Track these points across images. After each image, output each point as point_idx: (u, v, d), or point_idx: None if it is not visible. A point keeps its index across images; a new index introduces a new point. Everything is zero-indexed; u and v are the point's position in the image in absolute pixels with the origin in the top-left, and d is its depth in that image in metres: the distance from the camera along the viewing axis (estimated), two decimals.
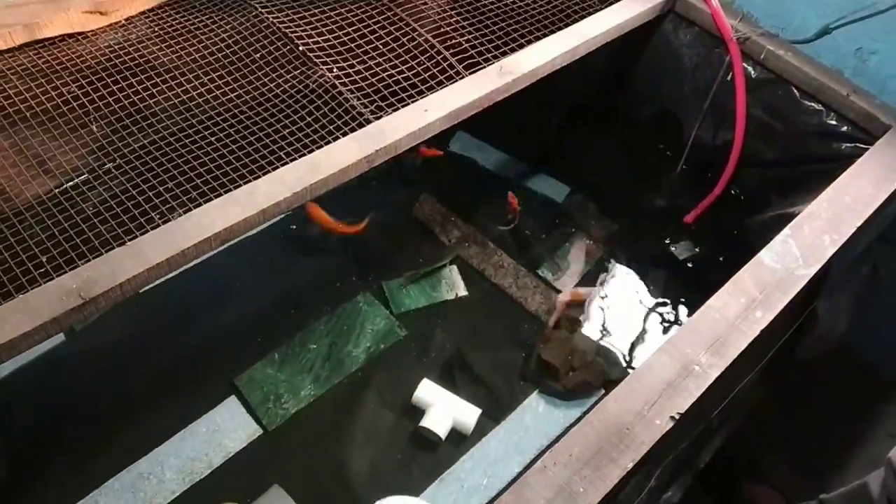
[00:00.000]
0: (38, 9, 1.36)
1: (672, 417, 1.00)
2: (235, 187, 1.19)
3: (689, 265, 1.88)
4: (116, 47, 1.42)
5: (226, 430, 1.52)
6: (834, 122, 1.62)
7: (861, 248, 1.49)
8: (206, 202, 1.16)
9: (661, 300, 1.83)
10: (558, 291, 1.83)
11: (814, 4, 1.61)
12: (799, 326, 1.47)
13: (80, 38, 1.41)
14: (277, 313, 1.72)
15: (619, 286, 1.85)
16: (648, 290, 1.84)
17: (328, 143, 1.29)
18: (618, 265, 1.90)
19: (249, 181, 1.22)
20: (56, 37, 1.39)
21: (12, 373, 1.53)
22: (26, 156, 1.23)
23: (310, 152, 1.27)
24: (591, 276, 1.87)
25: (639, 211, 2.02)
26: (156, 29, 1.47)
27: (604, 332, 1.75)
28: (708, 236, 1.90)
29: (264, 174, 1.22)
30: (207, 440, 1.50)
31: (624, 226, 1.98)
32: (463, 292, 1.82)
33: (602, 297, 1.82)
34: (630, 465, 0.95)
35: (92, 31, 1.43)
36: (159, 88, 1.37)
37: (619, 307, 1.81)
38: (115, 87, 1.35)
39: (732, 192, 1.88)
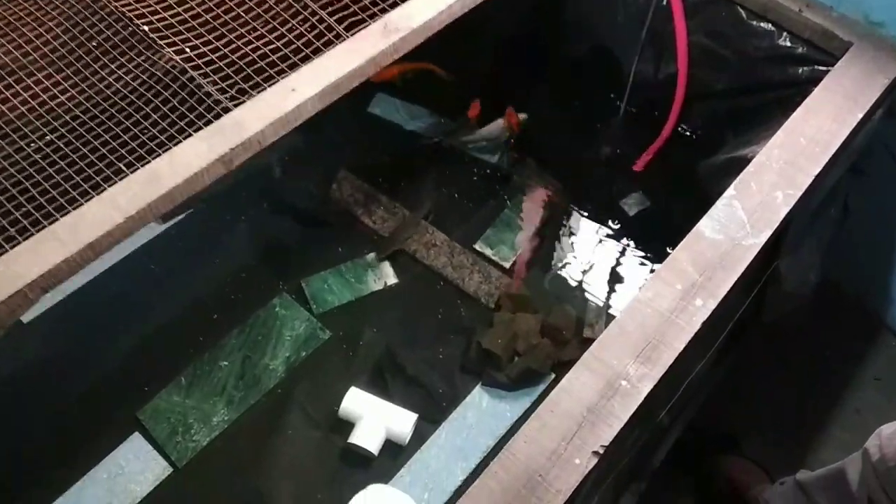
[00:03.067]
0: None
1: (595, 452, 0.82)
2: (54, 221, 0.98)
3: (642, 220, 1.68)
4: None
5: (130, 472, 1.35)
6: (788, 44, 1.39)
7: (826, 190, 1.29)
8: (16, 245, 0.95)
9: (614, 264, 1.64)
10: (498, 266, 1.63)
11: None
12: (760, 290, 1.28)
13: None
14: (181, 330, 1.53)
15: (566, 255, 1.66)
16: (598, 257, 1.65)
17: (171, 147, 1.07)
18: (564, 228, 1.70)
19: (76, 208, 1.00)
20: None
21: None
22: None
23: (149, 161, 1.05)
24: (536, 245, 1.67)
25: (584, 163, 1.80)
26: None
27: (552, 308, 1.56)
28: (659, 185, 1.69)
29: (91, 198, 1.01)
30: (110, 487, 1.34)
31: (568, 183, 1.76)
32: (392, 280, 1.62)
33: (548, 271, 1.63)
34: None
35: None
36: None
37: (567, 280, 1.62)
38: None
39: (682, 131, 1.66)
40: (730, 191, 1.07)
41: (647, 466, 1.16)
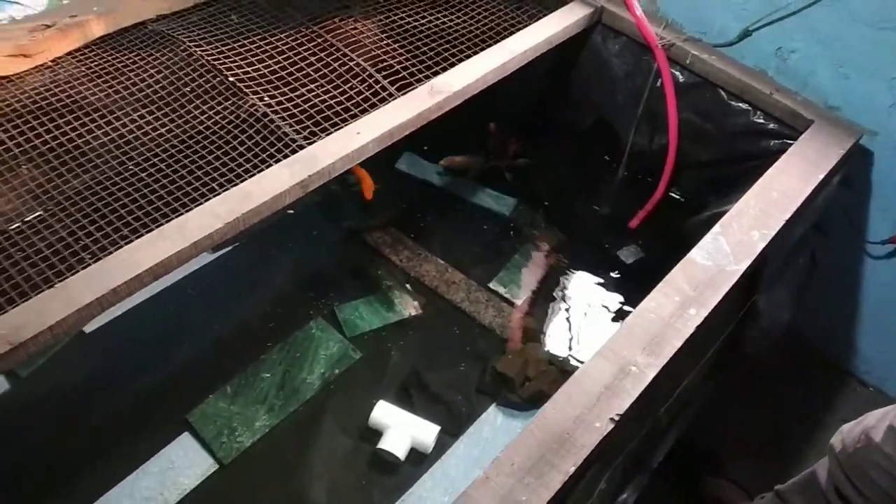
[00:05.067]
0: None
1: (612, 419, 1.02)
2: (168, 222, 1.19)
3: (637, 269, 1.91)
4: (43, 89, 1.41)
5: (180, 467, 1.50)
6: (761, 121, 1.67)
7: (795, 239, 1.53)
8: (137, 239, 1.16)
9: (610, 304, 1.86)
10: (510, 303, 1.84)
11: (731, 9, 1.67)
12: (741, 321, 1.50)
13: (4, 82, 1.40)
14: (229, 344, 1.71)
15: (571, 294, 1.87)
16: (598, 297, 1.87)
17: (260, 171, 1.29)
18: (568, 273, 1.92)
19: (182, 214, 1.21)
20: None
21: None
22: None
23: (242, 181, 1.27)
24: (542, 287, 1.89)
25: (585, 219, 2.05)
26: (83, 69, 1.47)
27: (558, 341, 1.76)
28: (652, 239, 1.93)
29: (196, 206, 1.22)
30: (161, 479, 1.48)
31: (571, 234, 2.00)
32: (416, 311, 1.82)
33: (554, 307, 1.84)
34: (572, 470, 0.96)
35: (17, 74, 1.42)
36: (89, 128, 1.36)
37: (572, 315, 1.83)
38: (42, 130, 1.34)
39: (673, 194, 1.92)
40: (716, 228, 1.31)
41: (648, 462, 1.34)
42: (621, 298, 1.87)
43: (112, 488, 1.45)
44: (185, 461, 1.51)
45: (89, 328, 1.65)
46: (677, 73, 1.74)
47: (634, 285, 1.89)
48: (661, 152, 1.85)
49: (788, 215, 1.35)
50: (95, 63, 1.49)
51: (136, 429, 1.54)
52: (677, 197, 1.94)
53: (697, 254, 1.26)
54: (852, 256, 1.84)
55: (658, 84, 1.77)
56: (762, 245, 1.29)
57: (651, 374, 1.07)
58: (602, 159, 2.03)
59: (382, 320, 1.79)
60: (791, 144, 1.56)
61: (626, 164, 1.97)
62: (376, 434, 1.57)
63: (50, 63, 1.46)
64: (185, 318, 1.74)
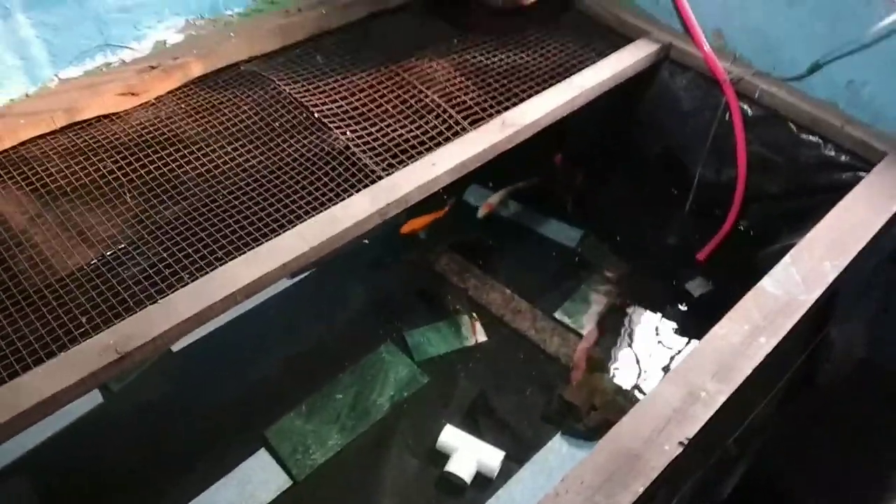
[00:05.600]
0: (77, 95, 1.50)
1: (681, 443, 1.03)
2: (259, 245, 1.28)
3: (705, 301, 1.91)
4: (147, 124, 1.54)
5: (257, 481, 1.57)
6: (832, 153, 1.66)
7: (869, 271, 1.51)
8: (231, 260, 1.25)
9: (678, 337, 1.86)
10: (576, 333, 1.86)
11: (802, 41, 1.68)
12: (814, 352, 1.48)
13: (114, 117, 1.54)
14: (304, 366, 1.79)
15: (637, 325, 1.88)
16: (666, 328, 1.87)
17: (343, 199, 1.38)
18: (634, 305, 1.93)
19: (271, 239, 1.30)
20: (93, 118, 1.52)
21: (52, 436, 1.61)
22: (68, 228, 1.34)
23: (326, 209, 1.36)
24: (608, 317, 1.91)
25: (651, 250, 2.06)
26: (183, 106, 1.60)
27: (625, 371, 1.77)
28: (721, 272, 1.93)
29: (285, 231, 1.31)
30: (240, 492, 1.55)
31: (638, 266, 2.02)
32: (483, 338, 1.86)
33: (621, 338, 1.85)
34: (641, 490, 0.98)
35: (125, 110, 1.56)
36: (187, 160, 1.48)
37: (639, 346, 1.84)
38: (146, 161, 1.46)
39: (741, 227, 1.91)
40: (787, 258, 1.32)
41: (717, 493, 1.33)
42: (689, 330, 1.86)
43: (192, 500, 1.53)
44: (261, 476, 1.58)
45: (176, 347, 1.76)
46: (745, 107, 1.76)
47: (703, 317, 1.87)
48: (729, 185, 1.85)
49: (861, 246, 1.34)
50: (193, 101, 1.62)
51: (216, 443, 1.63)
52: (746, 230, 1.93)
53: (768, 282, 1.27)
54: None
55: (727, 118, 1.79)
56: (834, 275, 1.28)
57: (720, 400, 1.09)
58: (670, 192, 2.05)
59: (449, 346, 1.84)
60: (864, 177, 1.55)
61: (694, 197, 1.98)
62: (443, 457, 1.60)
63: (154, 101, 1.60)
64: (264, 339, 1.84)
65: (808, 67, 1.70)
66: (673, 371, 1.13)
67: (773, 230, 1.84)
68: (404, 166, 1.48)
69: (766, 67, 1.76)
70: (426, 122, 1.60)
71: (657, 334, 1.86)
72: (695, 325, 1.87)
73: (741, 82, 1.74)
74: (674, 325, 1.88)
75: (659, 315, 1.91)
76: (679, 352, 1.82)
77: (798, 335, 1.24)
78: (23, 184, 1.40)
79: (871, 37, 1.57)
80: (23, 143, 1.46)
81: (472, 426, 1.67)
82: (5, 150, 1.43)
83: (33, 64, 1.48)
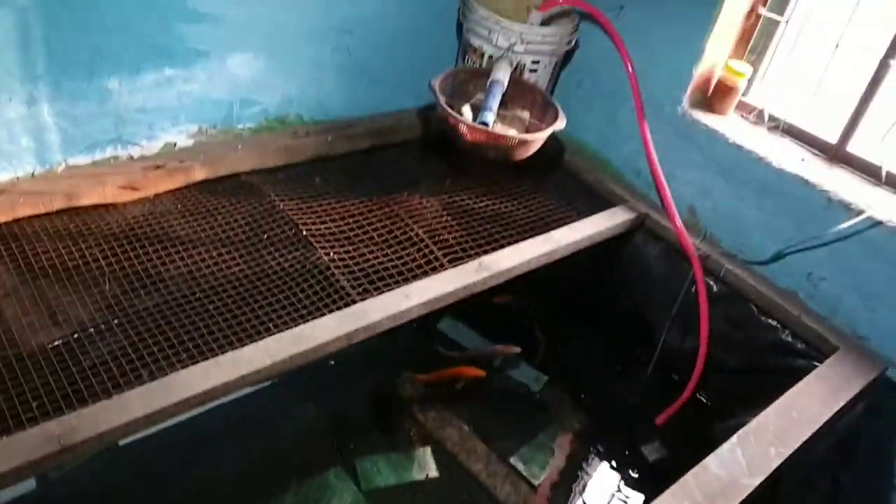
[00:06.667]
0: (80, 181, 1.57)
1: None
2: (223, 354, 1.30)
3: (659, 466, 1.91)
4: (141, 218, 1.61)
5: None
6: (789, 339, 1.74)
7: (816, 462, 1.54)
8: (193, 364, 1.27)
9: (629, 500, 1.84)
10: (528, 483, 1.85)
11: (767, 231, 1.80)
12: None
13: (111, 208, 1.60)
14: (248, 480, 1.75)
15: (591, 485, 1.87)
16: (619, 490, 1.86)
17: (314, 318, 1.41)
18: (591, 461, 1.93)
19: (237, 348, 1.33)
20: (90, 205, 1.58)
21: None
22: (40, 307, 1.36)
23: (297, 325, 1.39)
24: (564, 470, 1.90)
25: (612, 407, 2.08)
26: (178, 206, 1.67)
27: None
28: (677, 439, 1.95)
29: (252, 342, 1.34)
30: None
31: (598, 420, 2.03)
32: (434, 474, 1.84)
33: (574, 496, 1.84)
34: None
35: (123, 202, 1.62)
36: (171, 258, 1.53)
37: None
38: (132, 253, 1.51)
39: (700, 397, 1.95)
40: (733, 439, 1.35)
41: None
42: (641, 497, 1.85)
43: None
44: None
45: (123, 441, 1.72)
46: (711, 283, 1.85)
47: (655, 483, 1.88)
48: (691, 353, 1.91)
49: (807, 436, 1.38)
50: (190, 202, 1.69)
51: None
52: (704, 400, 1.97)
53: (713, 462, 1.30)
54: (878, 490, 1.80)
55: (693, 290, 1.87)
56: (778, 462, 1.31)
57: None
58: (634, 352, 2.10)
59: (399, 478, 1.81)
60: (816, 367, 1.61)
61: (656, 360, 2.04)
62: None
63: (152, 198, 1.67)
64: (211, 444, 1.80)
65: (772, 255, 1.81)
66: None
67: (729, 404, 1.88)
68: (379, 293, 1.53)
69: (733, 249, 1.87)
70: (407, 254, 1.67)
71: (610, 495, 1.85)
72: (647, 490, 1.87)
73: (709, 259, 1.84)
74: (627, 488, 1.87)
75: (614, 474, 1.90)
76: None
77: None
78: (7, 258, 1.43)
79: (830, 237, 1.68)
80: (17, 220, 1.51)
81: None
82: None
83: (45, 147, 1.56)
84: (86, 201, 1.57)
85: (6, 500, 1.59)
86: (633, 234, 1.98)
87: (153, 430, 1.75)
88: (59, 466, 1.64)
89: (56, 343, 1.29)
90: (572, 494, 1.85)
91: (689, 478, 1.26)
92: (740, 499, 1.23)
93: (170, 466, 1.74)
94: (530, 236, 1.79)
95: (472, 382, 2.03)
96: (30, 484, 1.63)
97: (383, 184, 1.88)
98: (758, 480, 1.27)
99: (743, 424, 1.67)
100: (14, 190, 1.52)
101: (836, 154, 1.77)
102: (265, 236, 1.63)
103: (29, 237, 1.48)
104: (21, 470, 1.04)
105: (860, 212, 1.61)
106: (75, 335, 1.31)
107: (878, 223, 1.59)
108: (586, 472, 1.91)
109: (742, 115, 1.92)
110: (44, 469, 1.08)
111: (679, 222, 1.88)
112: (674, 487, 1.24)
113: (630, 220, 1.92)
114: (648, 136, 1.92)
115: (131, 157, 1.70)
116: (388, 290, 1.54)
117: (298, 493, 1.73)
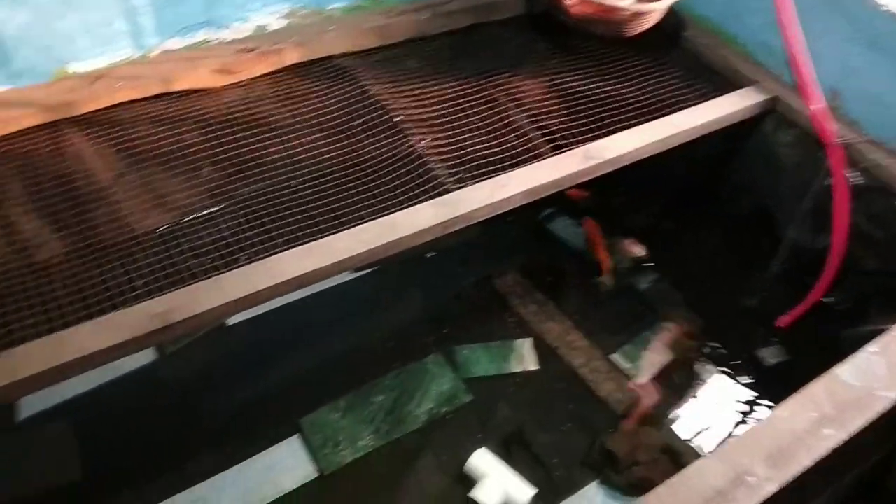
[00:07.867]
0: (174, 66, 1.55)
1: None
2: (316, 239, 1.28)
3: (779, 371, 1.78)
4: (236, 103, 1.58)
5: (283, 468, 1.57)
6: None
7: None
8: (288, 249, 1.25)
9: (743, 406, 1.74)
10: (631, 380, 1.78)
11: None
12: (889, 456, 1.35)
13: (205, 93, 1.58)
14: (350, 361, 1.79)
15: (700, 386, 1.78)
16: (731, 394, 1.76)
17: (407, 207, 1.36)
18: (701, 362, 1.83)
19: (330, 234, 1.30)
20: (186, 90, 1.57)
21: (102, 385, 1.66)
22: (148, 190, 1.38)
23: (389, 213, 1.34)
24: (670, 370, 1.81)
25: (729, 308, 1.94)
26: (273, 90, 1.62)
27: (678, 431, 1.68)
28: (798, 344, 1.80)
29: (345, 229, 1.30)
30: (265, 475, 1.56)
31: (711, 321, 1.91)
32: (533, 367, 1.80)
33: (681, 394, 1.75)
34: None
35: (217, 87, 1.60)
36: (267, 144, 1.50)
37: (697, 408, 1.73)
38: (230, 138, 1.49)
39: (828, 300, 1.78)
40: (872, 346, 1.20)
41: None
42: (756, 399, 1.74)
43: (217, 474, 1.55)
44: (289, 463, 1.58)
45: (231, 321, 1.79)
46: (852, 175, 1.63)
47: (773, 387, 1.76)
48: (823, 252, 1.72)
49: None
50: (283, 86, 1.64)
51: (251, 422, 1.64)
52: (834, 302, 1.79)
53: (845, 370, 1.16)
54: None
55: (826, 183, 1.66)
56: None
57: (769, 489, 0.99)
58: (757, 249, 1.93)
59: (498, 369, 1.79)
60: None
61: (782, 259, 1.86)
62: (471, 481, 1.56)
63: (246, 81, 1.63)
64: (316, 327, 1.84)
65: None
66: (722, 447, 1.05)
67: (863, 309, 1.70)
68: (476, 182, 1.45)
69: (880, 136, 1.63)
70: (506, 141, 1.56)
71: (720, 399, 1.75)
72: (763, 394, 1.75)
73: (850, 148, 1.62)
74: (740, 392, 1.76)
75: (726, 378, 1.80)
76: (741, 422, 1.71)
77: (872, 434, 1.13)
78: (111, 143, 1.45)
79: None
80: (117, 105, 1.51)
81: (507, 455, 1.62)
82: (100, 109, 1.49)
83: (140, 31, 1.54)
84: (181, 86, 1.56)
85: (129, 370, 1.70)
86: (763, 119, 1.76)
87: (261, 311, 1.82)
88: (171, 342, 1.73)
89: (164, 226, 1.31)
90: (678, 396, 1.76)
91: (817, 385, 1.14)
92: (876, 412, 1.10)
93: (274, 348, 1.80)
94: (645, 121, 1.63)
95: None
96: (149, 355, 1.74)
97: (482, 65, 1.75)
98: None
99: (879, 332, 1.51)
100: (112, 75, 1.52)
101: None
102: (357, 122, 1.57)
103: (129, 122, 1.49)
104: (125, 345, 1.07)
105: None
106: (182, 219, 1.32)
107: None
108: (695, 374, 1.81)
109: None
110: (146, 345, 1.12)
111: (817, 106, 1.64)
112: (799, 395, 1.13)
113: (760, 103, 1.70)
114: (785, 2, 1.65)
115: (223, 41, 1.66)
116: (485, 178, 1.46)
117: (398, 376, 1.75)
